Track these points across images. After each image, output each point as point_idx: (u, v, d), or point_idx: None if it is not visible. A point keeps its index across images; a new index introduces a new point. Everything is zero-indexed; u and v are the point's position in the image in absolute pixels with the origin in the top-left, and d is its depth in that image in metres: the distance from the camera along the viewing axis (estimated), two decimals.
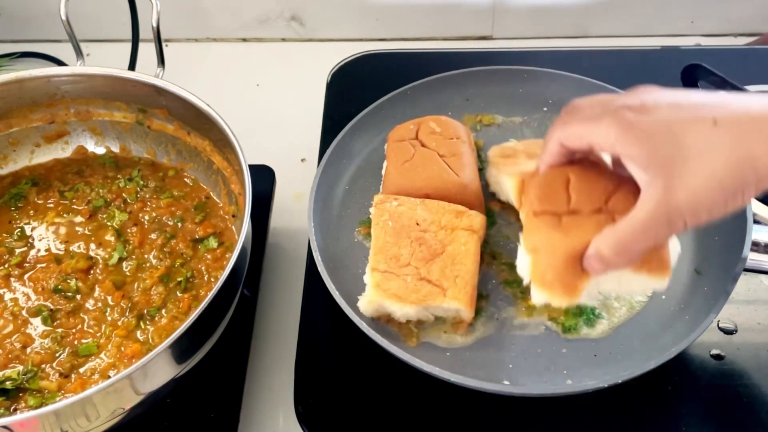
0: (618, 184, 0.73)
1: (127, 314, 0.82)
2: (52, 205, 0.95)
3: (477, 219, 0.84)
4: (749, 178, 0.58)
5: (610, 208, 0.72)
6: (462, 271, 0.79)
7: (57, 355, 0.79)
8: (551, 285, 0.72)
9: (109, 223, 0.93)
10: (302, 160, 1.13)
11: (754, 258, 0.82)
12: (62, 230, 0.92)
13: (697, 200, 0.59)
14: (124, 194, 0.96)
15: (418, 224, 0.83)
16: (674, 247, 0.75)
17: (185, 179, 0.99)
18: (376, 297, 0.79)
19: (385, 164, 0.95)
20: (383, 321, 0.81)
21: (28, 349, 0.80)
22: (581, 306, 0.79)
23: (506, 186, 0.86)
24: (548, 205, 0.73)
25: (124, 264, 0.88)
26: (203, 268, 0.88)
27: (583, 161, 0.76)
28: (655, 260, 0.71)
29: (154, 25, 0.91)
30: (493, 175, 0.92)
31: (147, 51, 1.00)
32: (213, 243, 0.90)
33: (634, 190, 0.70)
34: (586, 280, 0.71)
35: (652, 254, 0.70)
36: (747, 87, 0.92)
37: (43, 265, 0.88)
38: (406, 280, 0.79)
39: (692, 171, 0.58)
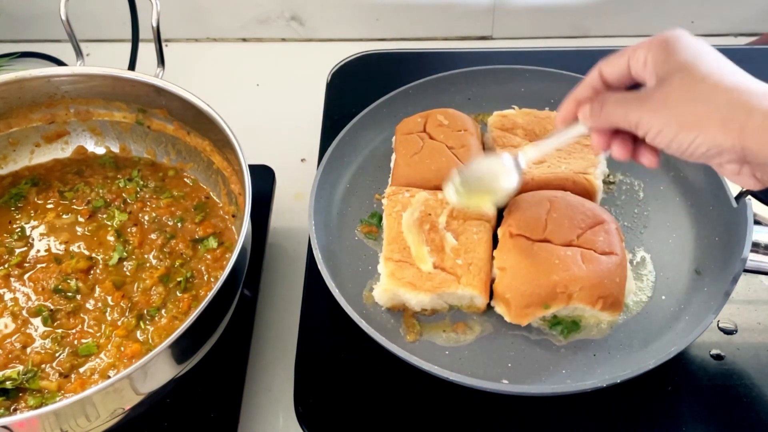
0: (593, 222, 0.79)
1: (127, 314, 0.83)
2: (52, 206, 0.95)
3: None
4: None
5: (581, 243, 0.78)
6: (475, 259, 0.80)
7: (57, 355, 0.79)
8: (507, 304, 0.78)
9: (109, 223, 0.93)
10: (302, 160, 1.13)
11: (754, 259, 0.82)
12: (62, 230, 0.92)
13: None
14: (124, 194, 0.96)
15: (430, 214, 0.83)
16: (630, 288, 0.80)
17: (185, 179, 0.99)
18: (391, 286, 0.80)
19: (393, 157, 0.95)
20: (397, 311, 0.82)
21: (28, 349, 0.80)
22: (578, 322, 0.80)
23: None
24: (525, 230, 0.79)
25: (124, 264, 0.88)
26: (203, 268, 0.88)
27: (566, 195, 0.81)
28: (611, 299, 0.76)
29: (154, 25, 0.91)
30: (489, 145, 0.96)
31: (147, 51, 1.00)
32: (213, 243, 0.89)
33: (607, 229, 0.76)
34: (539, 310, 0.77)
35: (610, 293, 0.76)
36: None
37: (43, 265, 0.88)
38: (420, 269, 0.79)
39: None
